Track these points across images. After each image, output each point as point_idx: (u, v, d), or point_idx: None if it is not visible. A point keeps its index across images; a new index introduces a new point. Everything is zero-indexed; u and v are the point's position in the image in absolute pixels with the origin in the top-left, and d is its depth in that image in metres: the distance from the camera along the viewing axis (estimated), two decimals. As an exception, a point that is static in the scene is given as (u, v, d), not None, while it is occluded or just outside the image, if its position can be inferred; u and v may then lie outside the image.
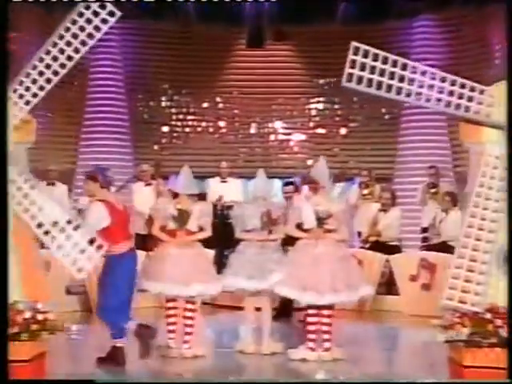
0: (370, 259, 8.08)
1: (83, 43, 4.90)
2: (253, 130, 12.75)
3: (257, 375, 5.29)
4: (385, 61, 4.65)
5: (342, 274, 5.37)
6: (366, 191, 9.49)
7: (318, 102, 12.61)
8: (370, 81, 4.59)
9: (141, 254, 7.91)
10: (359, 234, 9.29)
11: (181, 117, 12.73)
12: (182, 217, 5.63)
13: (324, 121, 12.59)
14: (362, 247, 8.75)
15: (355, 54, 4.60)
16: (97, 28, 4.89)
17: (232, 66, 12.63)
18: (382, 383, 4.88)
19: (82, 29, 4.88)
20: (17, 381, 4.23)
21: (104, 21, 4.90)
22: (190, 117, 12.75)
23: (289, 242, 5.89)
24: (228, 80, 12.66)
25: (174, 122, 12.71)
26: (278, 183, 12.43)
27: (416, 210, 9.68)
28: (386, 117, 12.25)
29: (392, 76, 4.65)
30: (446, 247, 8.12)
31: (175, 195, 5.95)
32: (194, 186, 5.87)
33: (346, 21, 11.71)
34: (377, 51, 4.65)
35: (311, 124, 12.65)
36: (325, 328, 5.52)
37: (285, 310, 7.07)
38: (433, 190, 9.14)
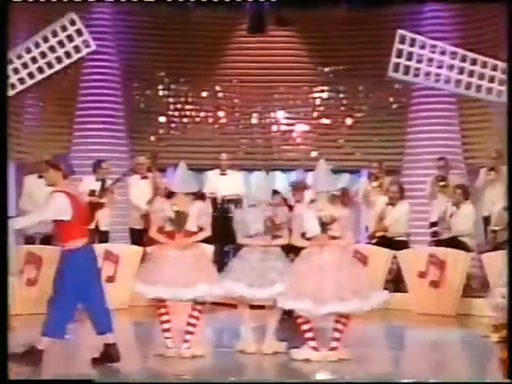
0: (376, 255, 8.08)
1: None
2: (254, 121, 12.74)
3: (257, 375, 5.31)
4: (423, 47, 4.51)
5: (349, 281, 5.38)
6: (375, 184, 9.50)
7: (322, 90, 12.59)
8: (417, 70, 4.40)
9: (137, 250, 8.12)
10: (366, 228, 9.31)
11: (178, 106, 12.71)
12: (180, 219, 5.62)
13: (328, 110, 12.57)
14: (368, 242, 8.76)
15: (401, 42, 4.46)
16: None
17: (232, 53, 12.60)
18: (386, 383, 4.93)
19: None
20: (17, 381, 4.35)
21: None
22: (188, 106, 12.73)
23: (293, 250, 5.89)
24: (228, 68, 12.63)
25: (171, 112, 12.69)
26: (280, 176, 12.54)
27: (425, 203, 9.68)
28: (394, 106, 12.22)
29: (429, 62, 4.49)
30: (456, 242, 8.14)
31: (172, 193, 5.94)
32: (192, 184, 5.85)
33: (351, 5, 11.67)
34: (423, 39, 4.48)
35: (315, 114, 12.62)
36: (339, 327, 5.54)
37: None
38: (442, 183, 9.14)
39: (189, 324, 5.70)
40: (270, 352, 5.75)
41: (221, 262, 6.26)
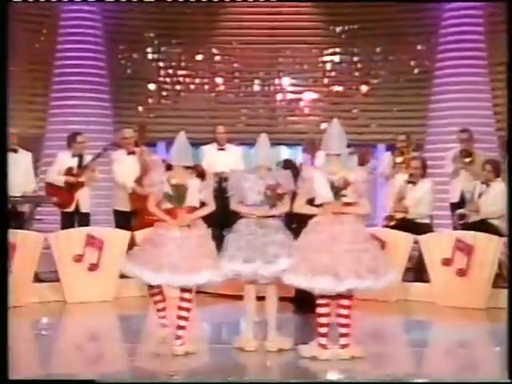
0: (395, 240, 8.05)
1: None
2: (256, 88, 12.71)
3: (257, 376, 5.31)
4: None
5: (364, 256, 5.33)
6: (399, 159, 9.46)
7: (334, 53, 12.54)
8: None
9: (123, 235, 8.09)
10: (383, 209, 9.27)
11: (170, 72, 12.69)
12: (179, 193, 5.59)
13: (341, 76, 12.53)
14: (385, 226, 8.72)
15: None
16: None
17: (231, 11, 12.52)
18: (392, 383, 5.01)
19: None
20: (17, 381, 4.57)
21: None
22: (180, 72, 12.71)
23: (298, 219, 5.83)
24: (226, 27, 12.56)
25: (161, 79, 12.67)
26: (285, 152, 12.51)
27: (449, 181, 9.63)
28: (416, 71, 12.18)
29: None
30: (486, 226, 8.09)
31: (168, 167, 5.90)
32: (191, 157, 5.84)
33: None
34: None
35: (325, 80, 12.59)
36: (343, 321, 5.49)
37: (304, 300, 7.06)
38: (467, 160, 9.08)
39: (180, 317, 5.64)
40: (273, 349, 5.69)
41: (219, 247, 6.21)
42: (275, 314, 5.83)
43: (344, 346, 5.48)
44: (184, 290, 5.60)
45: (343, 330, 5.49)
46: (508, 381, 4.59)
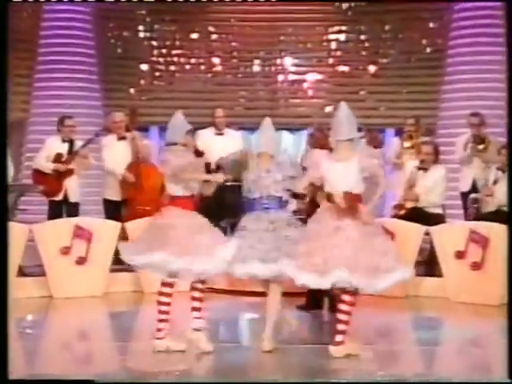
0: (405, 231, 8.06)
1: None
2: (256, 69, 12.69)
3: (257, 377, 5.37)
4: None
5: (366, 252, 5.38)
6: (408, 144, 9.47)
7: (340, 31, 12.53)
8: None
9: (114, 226, 8.11)
10: (392, 198, 9.29)
11: (164, 51, 12.68)
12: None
13: (347, 56, 12.52)
14: (394, 216, 8.74)
15: None
16: None
17: (229, -14, 12.50)
18: (387, 383, 5.09)
19: None
20: (17, 381, 4.75)
21: None
22: (175, 51, 12.69)
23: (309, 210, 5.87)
24: (224, 4, 12.53)
25: (154, 59, 12.67)
26: (287, 137, 12.52)
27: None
28: (428, 50, 12.17)
29: None
30: (502, 215, 8.10)
31: None
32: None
33: None
34: None
35: (330, 60, 12.58)
36: (341, 317, 5.53)
37: (314, 297, 7.11)
38: (480, 146, 9.08)
39: (193, 309, 5.72)
40: (269, 349, 5.71)
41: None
42: (275, 312, 5.85)
43: (338, 344, 5.51)
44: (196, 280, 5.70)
45: (340, 327, 5.52)
46: (508, 381, 4.73)
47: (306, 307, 7.10)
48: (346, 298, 5.48)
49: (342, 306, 5.50)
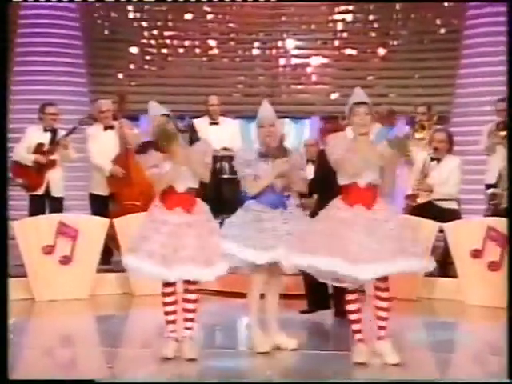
0: (417, 228, 8.05)
1: None
2: (255, 52, 12.69)
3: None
4: None
5: (394, 240, 5.49)
6: (419, 134, 9.46)
7: (347, 11, 12.54)
8: None
9: (101, 223, 8.11)
10: (403, 193, 9.29)
11: (155, 33, 12.67)
12: None
13: (354, 38, 12.52)
14: (407, 206, 8.77)
15: None
16: None
17: (226, -39, 12.50)
18: (387, 383, 5.28)
19: None
20: (17, 381, 4.98)
21: None
22: (167, 33, 12.68)
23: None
24: (220, -19, 12.54)
25: (145, 41, 12.65)
26: (289, 126, 12.52)
27: (482, 161, 9.65)
28: (442, 31, 12.19)
29: None
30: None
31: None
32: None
33: None
34: None
35: (336, 42, 12.58)
36: (382, 314, 5.72)
37: (318, 297, 7.14)
38: (503, 133, 9.10)
39: (185, 320, 5.83)
40: (271, 349, 5.89)
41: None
42: (277, 310, 6.05)
43: (381, 338, 5.69)
44: (188, 289, 5.79)
45: (382, 323, 5.70)
46: (508, 381, 4.95)
47: (308, 310, 7.15)
48: (381, 294, 5.65)
49: (379, 303, 5.68)
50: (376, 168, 5.59)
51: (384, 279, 5.59)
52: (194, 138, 6.10)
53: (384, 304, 5.70)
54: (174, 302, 5.83)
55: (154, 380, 5.36)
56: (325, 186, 6.38)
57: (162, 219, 5.71)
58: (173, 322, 5.83)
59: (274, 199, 5.88)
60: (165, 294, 5.81)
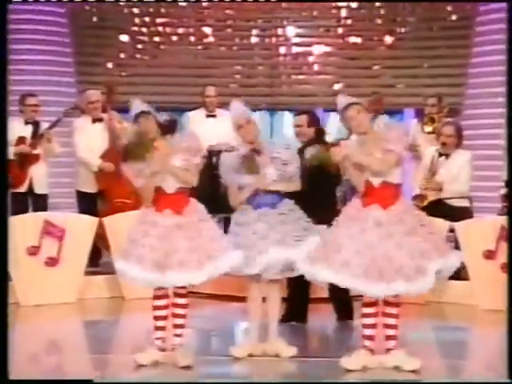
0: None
1: None
2: (253, 40, 12.67)
3: None
4: None
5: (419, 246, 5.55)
6: (429, 128, 9.46)
7: (351, -4, 12.52)
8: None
9: (90, 222, 8.12)
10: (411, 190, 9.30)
11: (147, 20, 12.65)
12: None
13: (359, 25, 12.51)
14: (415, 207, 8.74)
15: None
16: None
17: None
18: (387, 383, 5.41)
19: None
20: (17, 381, 5.15)
21: None
22: (160, 20, 12.67)
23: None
24: (216, -36, 12.54)
25: (136, 28, 12.63)
26: (289, 119, 12.52)
27: (495, 156, 9.66)
28: (453, 17, 12.16)
29: None
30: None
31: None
32: None
33: None
34: None
35: (340, 30, 12.57)
36: (390, 321, 5.78)
37: (296, 307, 7.16)
38: None
39: (175, 326, 5.89)
40: (272, 354, 6.00)
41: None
42: (278, 316, 6.18)
43: (389, 351, 5.73)
44: (178, 293, 5.84)
45: (391, 332, 5.74)
46: (508, 381, 5.12)
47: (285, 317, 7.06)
48: (389, 298, 5.68)
49: (387, 309, 5.74)
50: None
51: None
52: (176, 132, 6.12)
53: (393, 310, 5.72)
54: (165, 307, 5.86)
55: (153, 381, 5.46)
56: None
57: (151, 221, 5.74)
58: (162, 328, 5.86)
59: (259, 199, 5.97)
60: (156, 297, 5.85)
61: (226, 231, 6.07)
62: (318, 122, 7.39)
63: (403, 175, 5.86)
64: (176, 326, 5.87)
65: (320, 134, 6.98)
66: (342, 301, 7.15)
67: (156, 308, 5.84)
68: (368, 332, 5.74)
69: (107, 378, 5.34)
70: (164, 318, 5.85)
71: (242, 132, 6.03)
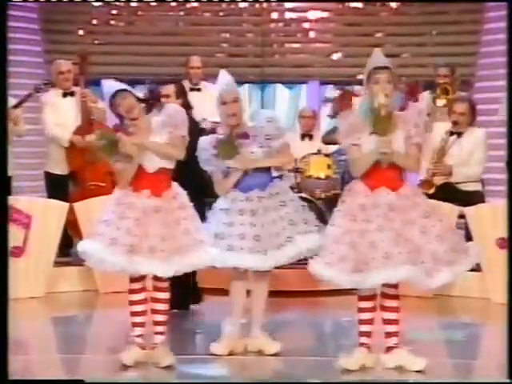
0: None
1: None
2: (242, 4, 12.65)
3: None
4: None
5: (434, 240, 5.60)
6: (442, 101, 9.49)
7: (351, -45, 12.51)
8: None
9: (60, 208, 8.14)
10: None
11: (122, -18, 12.62)
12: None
13: (360, -13, 12.51)
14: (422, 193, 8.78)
15: None
16: None
17: None
18: (387, 383, 5.52)
19: None
20: (17, 381, 5.34)
21: None
22: (137, -19, 12.65)
23: None
24: None
25: (110, -9, 12.61)
26: (282, 92, 12.55)
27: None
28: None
29: None
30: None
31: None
32: None
33: None
34: None
35: (339, -7, 12.57)
36: (390, 315, 5.80)
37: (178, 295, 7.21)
38: None
39: (155, 323, 5.95)
40: (254, 350, 6.15)
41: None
42: (263, 310, 6.25)
43: (389, 350, 5.77)
44: (158, 286, 5.90)
45: (391, 328, 5.78)
46: (508, 381, 5.29)
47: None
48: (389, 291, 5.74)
49: (386, 302, 5.79)
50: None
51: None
52: (158, 106, 6.14)
53: (393, 303, 5.76)
54: (143, 301, 5.90)
55: (146, 381, 5.58)
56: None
57: (128, 202, 5.76)
58: (140, 324, 5.90)
59: (247, 180, 6.03)
60: (132, 291, 5.88)
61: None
62: (185, 93, 7.54)
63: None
64: (156, 324, 5.92)
65: (185, 107, 6.93)
66: (187, 286, 7.22)
67: (132, 303, 5.88)
68: (365, 328, 5.79)
69: (97, 378, 5.45)
70: (142, 313, 5.90)
71: (224, 109, 6.03)
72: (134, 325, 5.90)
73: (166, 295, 5.90)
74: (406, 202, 5.63)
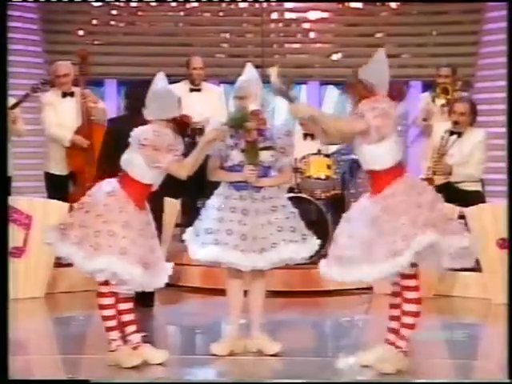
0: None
1: None
2: (242, 4, 12.66)
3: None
4: None
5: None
6: (441, 100, 9.49)
7: (351, -46, 12.51)
8: None
9: (59, 208, 8.16)
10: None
11: (122, -18, 12.63)
12: None
13: (360, -13, 12.52)
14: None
15: None
16: None
17: None
18: (387, 383, 5.53)
19: None
20: (17, 381, 5.38)
21: None
22: (137, -19, 12.65)
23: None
24: None
25: (110, -9, 12.61)
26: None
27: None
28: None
29: None
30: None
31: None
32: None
33: None
34: None
35: (339, -7, 12.57)
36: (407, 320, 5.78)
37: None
38: None
39: (127, 323, 5.95)
40: (254, 350, 6.15)
41: (190, 222, 6.33)
42: (261, 310, 6.24)
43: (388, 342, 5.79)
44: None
45: (394, 325, 5.81)
46: (508, 381, 5.35)
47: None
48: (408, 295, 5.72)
49: (406, 306, 5.75)
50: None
51: (411, 276, 5.65)
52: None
53: (412, 307, 5.73)
54: (113, 305, 5.86)
55: (150, 381, 5.58)
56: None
57: (131, 213, 5.81)
58: (115, 328, 5.87)
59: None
60: (101, 295, 5.84)
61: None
62: None
63: (408, 156, 5.94)
64: (128, 323, 5.90)
65: None
66: None
67: (103, 307, 5.84)
68: (393, 325, 5.80)
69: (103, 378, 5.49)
70: (114, 317, 5.86)
71: (240, 103, 6.08)
72: (109, 329, 5.86)
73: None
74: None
